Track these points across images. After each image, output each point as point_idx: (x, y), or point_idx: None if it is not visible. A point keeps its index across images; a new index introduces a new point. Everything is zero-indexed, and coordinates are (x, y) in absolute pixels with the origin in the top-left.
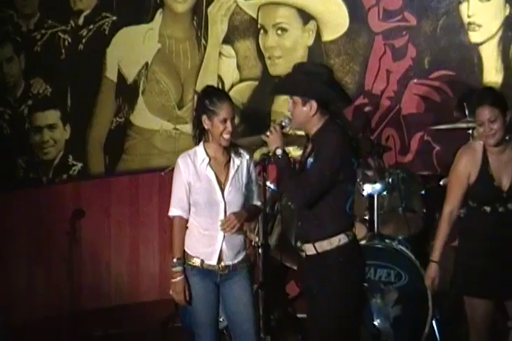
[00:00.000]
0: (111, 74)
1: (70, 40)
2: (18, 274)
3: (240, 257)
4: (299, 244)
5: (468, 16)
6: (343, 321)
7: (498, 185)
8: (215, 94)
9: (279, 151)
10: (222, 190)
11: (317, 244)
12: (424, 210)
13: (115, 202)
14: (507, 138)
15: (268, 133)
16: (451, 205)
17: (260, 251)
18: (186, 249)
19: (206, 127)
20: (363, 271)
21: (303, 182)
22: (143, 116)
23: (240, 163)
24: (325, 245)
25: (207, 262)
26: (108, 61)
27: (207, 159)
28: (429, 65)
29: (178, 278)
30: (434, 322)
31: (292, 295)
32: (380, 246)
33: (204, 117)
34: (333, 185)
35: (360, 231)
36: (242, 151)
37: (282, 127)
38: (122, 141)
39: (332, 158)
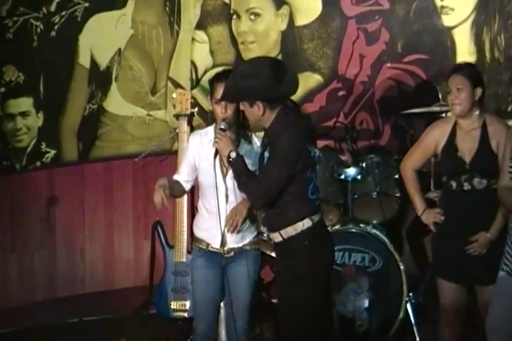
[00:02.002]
0: (83, 60)
1: (42, 27)
2: None
3: (247, 240)
4: (266, 232)
5: (441, 0)
6: (310, 304)
7: (460, 156)
8: (215, 76)
9: (233, 154)
10: (225, 175)
11: (282, 231)
12: (399, 194)
13: (89, 188)
14: (477, 112)
15: (217, 140)
16: (410, 164)
17: None
18: (194, 232)
19: (210, 109)
20: (330, 254)
21: (261, 183)
22: (116, 103)
23: (250, 149)
24: (290, 231)
25: (211, 245)
26: (80, 48)
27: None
28: (403, 48)
29: (160, 183)
30: (408, 306)
31: (267, 281)
32: (354, 230)
33: (209, 100)
34: (292, 176)
35: (335, 215)
36: (253, 137)
37: (224, 130)
38: (95, 127)
39: (287, 155)
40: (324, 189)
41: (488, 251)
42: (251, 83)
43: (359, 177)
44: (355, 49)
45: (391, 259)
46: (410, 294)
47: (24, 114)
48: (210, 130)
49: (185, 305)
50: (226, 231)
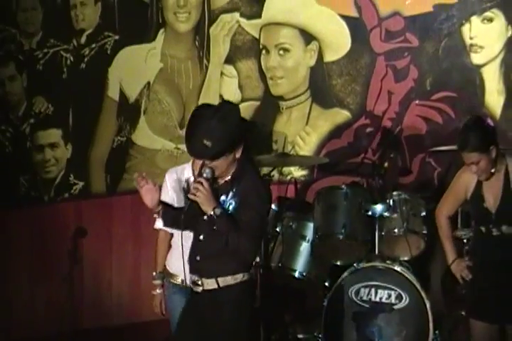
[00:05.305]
0: (113, 93)
1: (72, 59)
2: (19, 292)
3: None
4: (194, 278)
5: (471, 38)
6: None
7: (486, 206)
8: None
9: (218, 211)
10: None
11: (220, 279)
12: (426, 231)
13: (117, 221)
14: (499, 166)
15: (197, 193)
16: (445, 212)
17: (261, 271)
18: (167, 267)
19: None
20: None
21: (250, 234)
22: (144, 136)
23: None
24: (229, 280)
25: (188, 281)
26: (110, 80)
27: (192, 178)
28: (431, 86)
29: (157, 291)
30: None
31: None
32: (381, 267)
33: None
34: None
35: (361, 252)
36: None
37: (207, 179)
38: (124, 160)
39: (263, 208)
40: (351, 225)
41: None
42: (235, 123)
43: (386, 213)
44: (384, 86)
45: (417, 296)
46: (436, 332)
47: (53, 146)
48: (187, 167)
49: None
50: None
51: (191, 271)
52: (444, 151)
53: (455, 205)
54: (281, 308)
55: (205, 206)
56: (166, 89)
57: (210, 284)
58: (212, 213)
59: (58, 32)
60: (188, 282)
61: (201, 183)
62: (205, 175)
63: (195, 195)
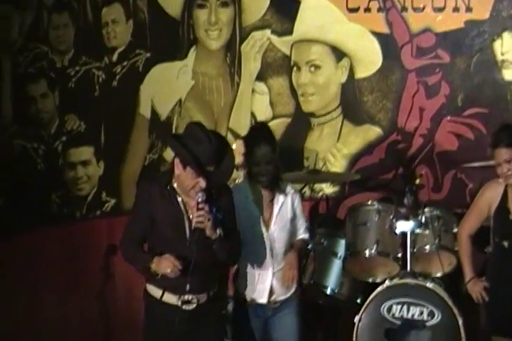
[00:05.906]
0: (144, 110)
1: (103, 76)
2: (52, 310)
3: (293, 289)
4: (188, 297)
5: (502, 54)
6: None
7: None
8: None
9: (219, 232)
10: (268, 227)
11: (211, 292)
12: (458, 248)
13: None
14: None
15: (202, 220)
16: (467, 230)
17: None
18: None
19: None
20: None
21: (237, 237)
22: None
23: (284, 201)
24: (215, 290)
25: (258, 300)
26: (141, 98)
27: (251, 197)
28: (463, 102)
29: None
30: None
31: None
32: (413, 284)
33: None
34: None
35: (393, 268)
36: (287, 187)
37: (203, 202)
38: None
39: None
40: (383, 242)
41: None
42: (221, 141)
43: (418, 230)
44: (415, 102)
45: (450, 313)
46: None
47: (85, 163)
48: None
49: None
50: (282, 285)
51: (184, 292)
52: (475, 167)
53: (477, 222)
54: (313, 325)
55: (210, 230)
56: (197, 106)
57: (203, 298)
58: (217, 236)
59: (90, 49)
60: (260, 301)
61: (202, 209)
62: (200, 199)
63: (202, 223)
